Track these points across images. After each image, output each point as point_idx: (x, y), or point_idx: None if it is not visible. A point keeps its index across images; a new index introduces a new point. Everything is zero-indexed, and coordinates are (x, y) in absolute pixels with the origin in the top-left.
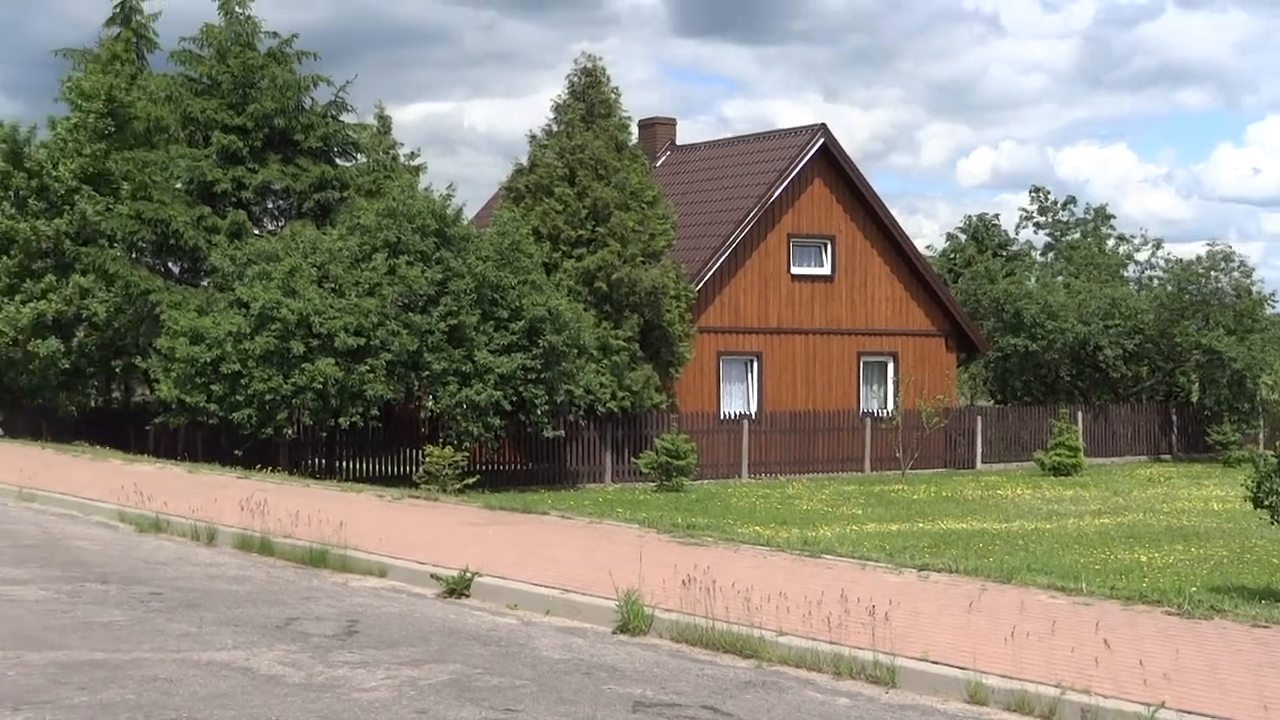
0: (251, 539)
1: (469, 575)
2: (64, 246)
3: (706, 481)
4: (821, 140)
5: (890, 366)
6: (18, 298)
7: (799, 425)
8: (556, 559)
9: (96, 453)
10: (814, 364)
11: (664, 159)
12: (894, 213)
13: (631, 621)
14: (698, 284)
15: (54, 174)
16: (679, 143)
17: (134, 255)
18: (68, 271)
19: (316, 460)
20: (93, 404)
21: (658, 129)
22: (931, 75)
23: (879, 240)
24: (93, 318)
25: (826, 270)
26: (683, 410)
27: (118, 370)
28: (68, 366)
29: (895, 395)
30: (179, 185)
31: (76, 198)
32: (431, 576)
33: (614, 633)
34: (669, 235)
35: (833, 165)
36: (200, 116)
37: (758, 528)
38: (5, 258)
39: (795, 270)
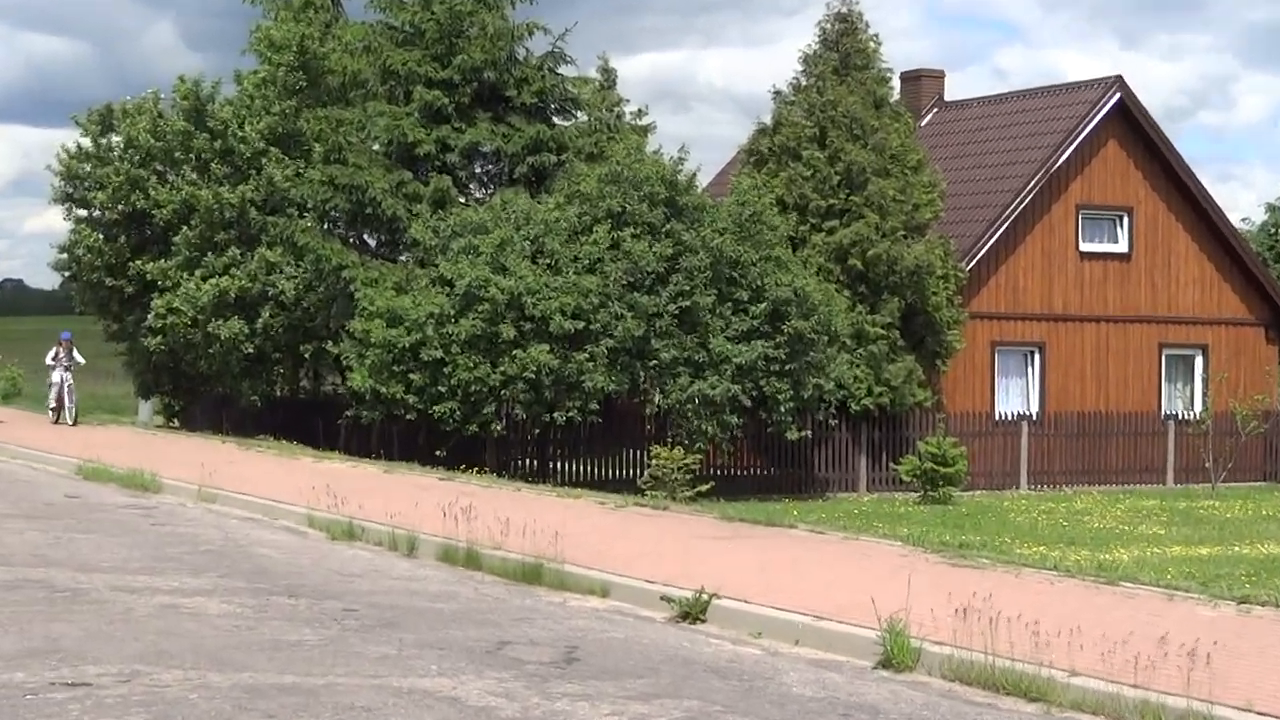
0: (456, 550)
1: (705, 597)
2: (249, 216)
3: (978, 492)
4: (1117, 95)
5: (1198, 361)
6: (198, 273)
7: (1089, 428)
8: (806, 580)
9: (283, 448)
10: (1107, 356)
11: (930, 117)
12: (1203, 180)
13: (895, 655)
14: (969, 262)
15: (239, 135)
16: (947, 99)
17: (326, 226)
18: (253, 244)
19: (527, 461)
20: (278, 393)
21: (923, 83)
22: (1250, 18)
23: (1185, 213)
24: (280, 296)
25: (1122, 247)
26: (950, 409)
27: (306, 356)
28: (251, 351)
29: (1204, 395)
30: (377, 147)
31: (264, 161)
32: (661, 598)
33: (875, 668)
34: (935, 206)
35: (1130, 125)
36: (401, 70)
37: (1041, 548)
38: (185, 229)
39: (1085, 247)
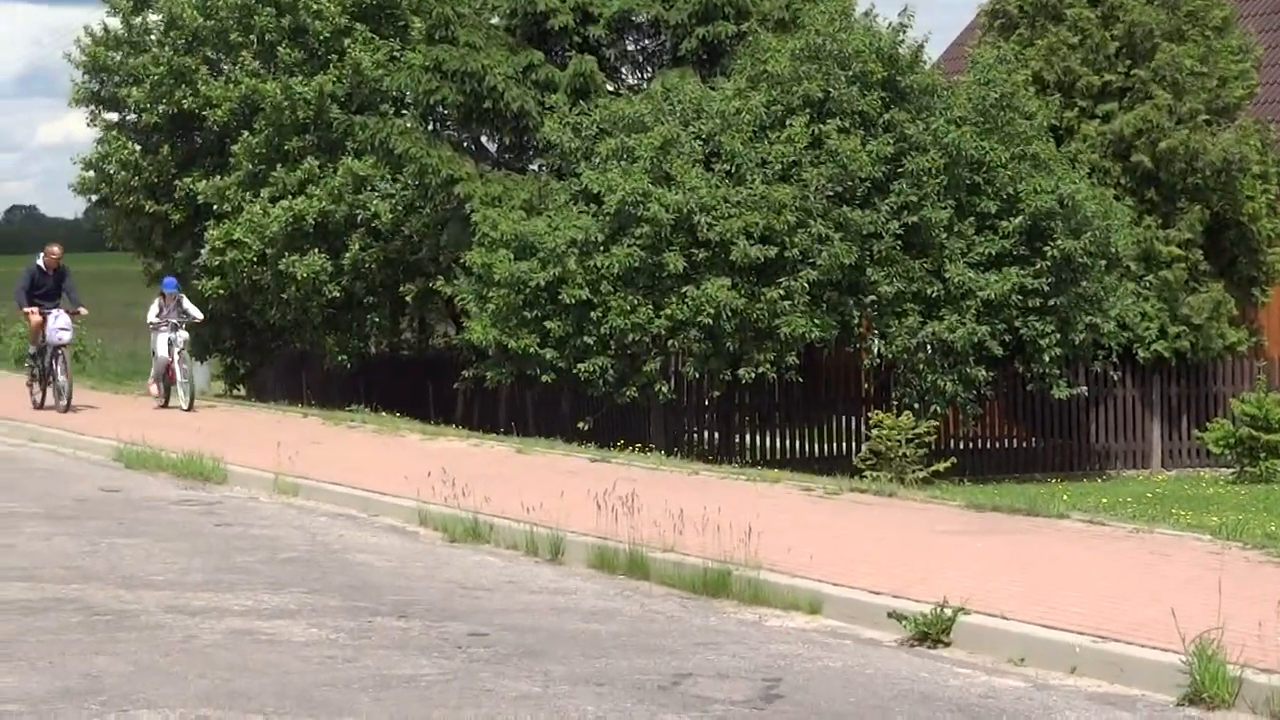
0: (616, 554)
1: (949, 612)
2: (330, 115)
3: None
4: None
5: None
6: (264, 193)
7: None
8: (1083, 588)
9: (381, 421)
10: None
11: None
12: None
13: (1207, 687)
14: None
15: (314, 8)
16: None
17: (432, 126)
18: (335, 153)
19: (705, 433)
20: (373, 350)
21: None
22: None
23: None
24: (373, 221)
25: None
26: (1275, 355)
27: (409, 300)
28: (338, 294)
29: None
30: (496, 20)
31: (347, 43)
32: (890, 614)
33: (1178, 704)
34: (1249, 80)
35: None
36: None
37: None
38: (246, 134)
39: None
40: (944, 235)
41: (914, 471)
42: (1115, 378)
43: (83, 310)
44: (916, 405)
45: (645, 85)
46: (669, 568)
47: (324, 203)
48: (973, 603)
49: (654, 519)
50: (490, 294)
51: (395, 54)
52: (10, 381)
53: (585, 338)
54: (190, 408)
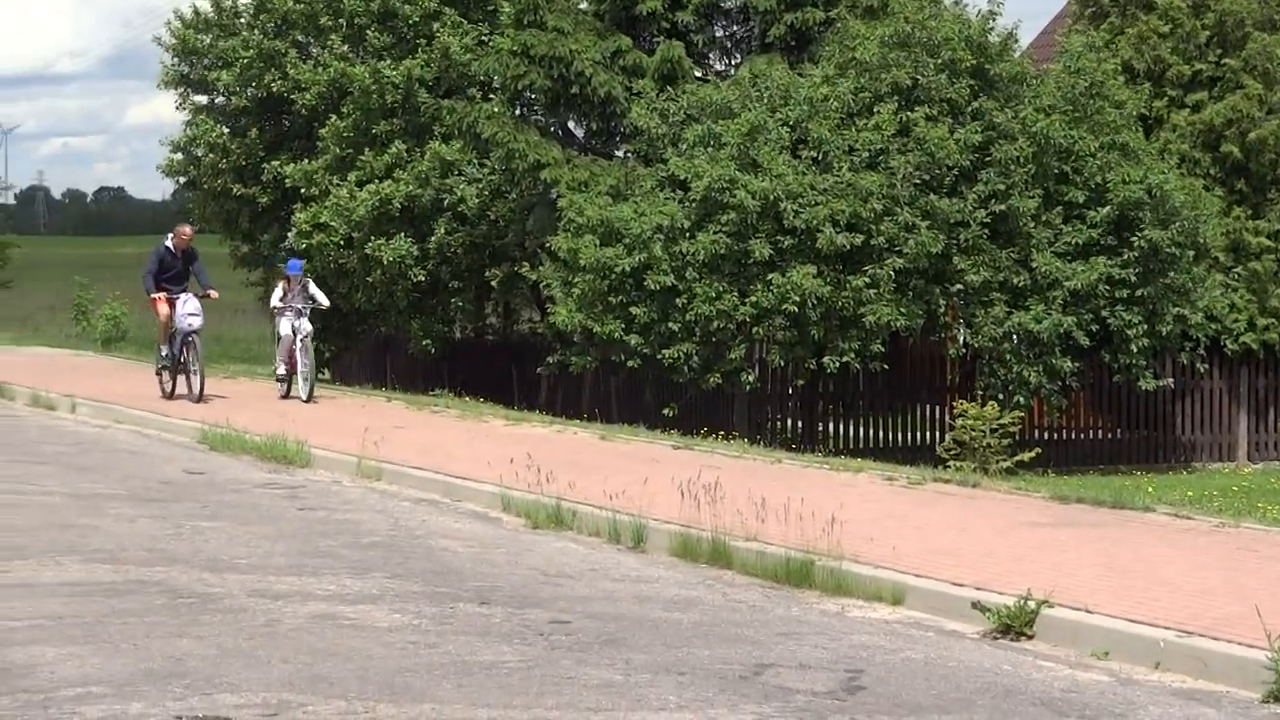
0: (698, 542)
1: (1032, 605)
2: (418, 100)
3: None
4: None
5: None
6: (351, 177)
7: None
8: (1168, 582)
9: (465, 406)
10: None
11: None
12: None
13: None
14: None
15: None
16: None
17: (519, 111)
18: (423, 137)
19: (789, 422)
20: (458, 335)
21: None
22: None
23: None
24: (459, 206)
25: None
26: None
27: (494, 285)
28: (423, 279)
29: None
30: (584, 5)
31: (436, 27)
32: (973, 605)
33: (1264, 701)
34: None
35: None
36: None
37: None
38: (334, 118)
39: None
40: (1031, 224)
41: (998, 462)
42: (1202, 369)
43: (213, 293)
44: (1001, 396)
45: (733, 71)
46: (751, 557)
47: (410, 187)
48: (1056, 596)
49: (737, 508)
50: (575, 279)
51: (484, 38)
52: (130, 369)
53: (670, 324)
54: (310, 398)
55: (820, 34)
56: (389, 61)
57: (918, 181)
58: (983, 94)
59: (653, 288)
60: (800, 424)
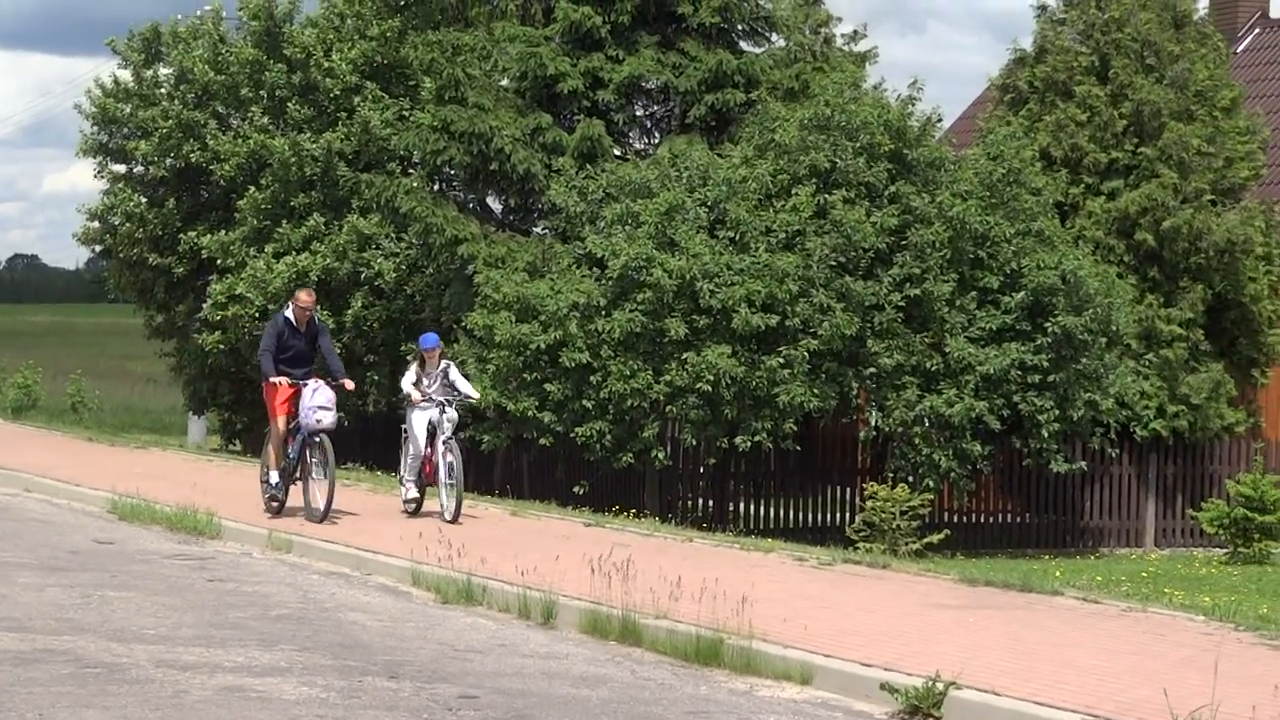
0: (608, 619)
1: (940, 687)
2: (337, 173)
3: None
4: None
5: None
6: (269, 249)
7: None
8: (1076, 665)
9: (378, 481)
10: None
11: (1249, 41)
12: None
13: None
14: None
15: (325, 66)
16: (1274, 15)
17: (438, 187)
18: (341, 210)
19: (700, 501)
20: (371, 408)
21: None
22: None
23: None
24: (376, 280)
25: None
26: (1272, 437)
27: (409, 359)
28: (338, 351)
29: None
30: (506, 82)
31: (357, 101)
32: (882, 687)
33: None
34: (1255, 161)
35: None
36: None
37: None
38: (253, 190)
39: None
40: (946, 309)
41: (907, 544)
42: (1112, 455)
43: (348, 383)
44: (911, 478)
45: (652, 150)
46: (661, 635)
47: (328, 260)
48: (965, 678)
49: (648, 585)
50: (491, 356)
51: (404, 113)
52: (40, 438)
53: (584, 401)
54: (455, 519)
55: (740, 115)
56: (309, 134)
57: (834, 264)
58: (900, 178)
59: (567, 365)
60: (711, 503)
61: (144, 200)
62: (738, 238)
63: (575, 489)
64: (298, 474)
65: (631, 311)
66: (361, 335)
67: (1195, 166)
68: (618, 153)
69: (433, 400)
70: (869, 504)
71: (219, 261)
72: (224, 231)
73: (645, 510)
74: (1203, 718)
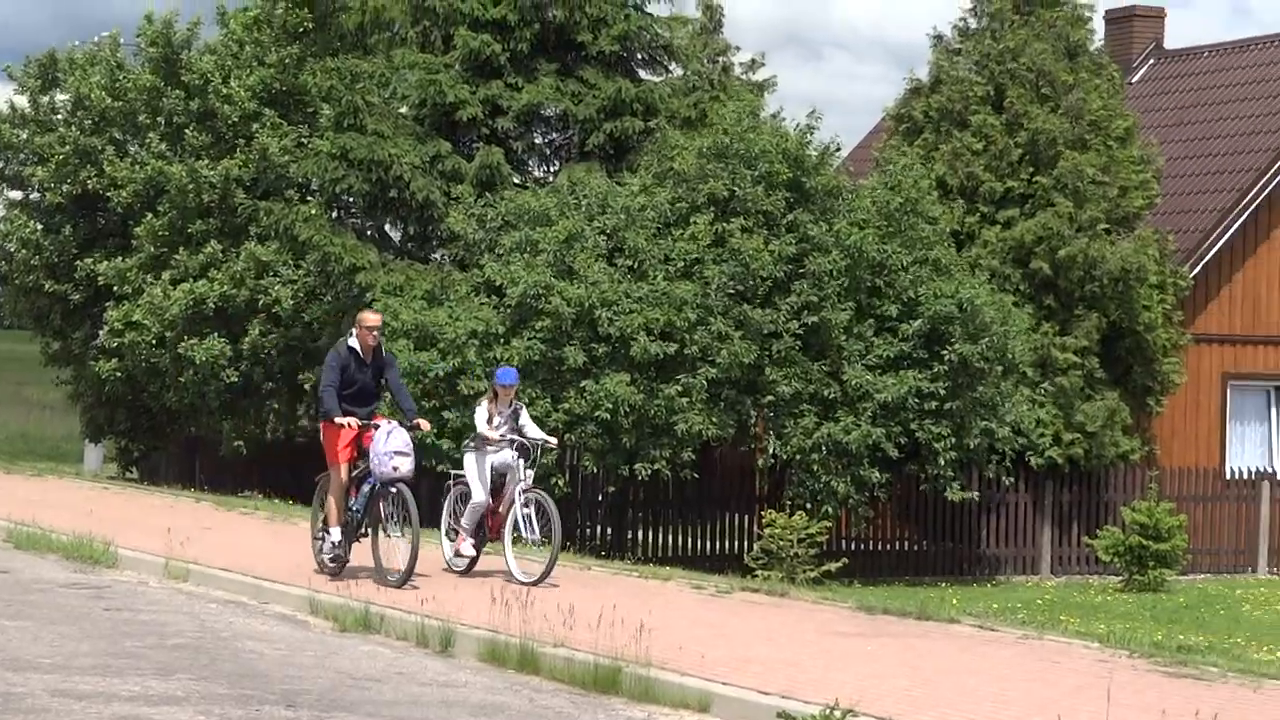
0: (506, 647)
1: (838, 714)
2: (235, 200)
3: (1201, 576)
4: None
5: None
6: (165, 275)
7: None
8: (972, 693)
9: (276, 509)
10: None
11: (1144, 71)
12: None
13: None
14: (1194, 266)
15: (223, 93)
16: (1168, 46)
17: (336, 214)
18: (239, 237)
19: (599, 529)
20: (269, 436)
21: (1135, 24)
22: None
23: None
24: (274, 307)
25: None
26: (1166, 465)
27: (308, 387)
28: (235, 380)
29: None
30: (405, 110)
31: (255, 128)
32: (779, 715)
33: None
34: (1149, 190)
35: None
36: (439, 7)
37: None
38: (150, 216)
39: None
40: (843, 337)
41: (805, 571)
42: (1008, 483)
43: (423, 424)
44: (809, 505)
45: (552, 178)
46: (559, 663)
47: (225, 287)
48: (862, 705)
49: (545, 613)
50: None
51: (303, 140)
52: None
53: None
54: (543, 579)
55: (639, 143)
56: (207, 161)
57: (731, 292)
58: (798, 206)
59: (466, 393)
60: (610, 531)
61: (40, 227)
62: (636, 266)
63: None
64: (362, 530)
65: (530, 339)
66: (260, 363)
67: (1090, 195)
68: (517, 180)
69: (505, 432)
70: (767, 532)
71: (115, 288)
72: (121, 258)
73: None
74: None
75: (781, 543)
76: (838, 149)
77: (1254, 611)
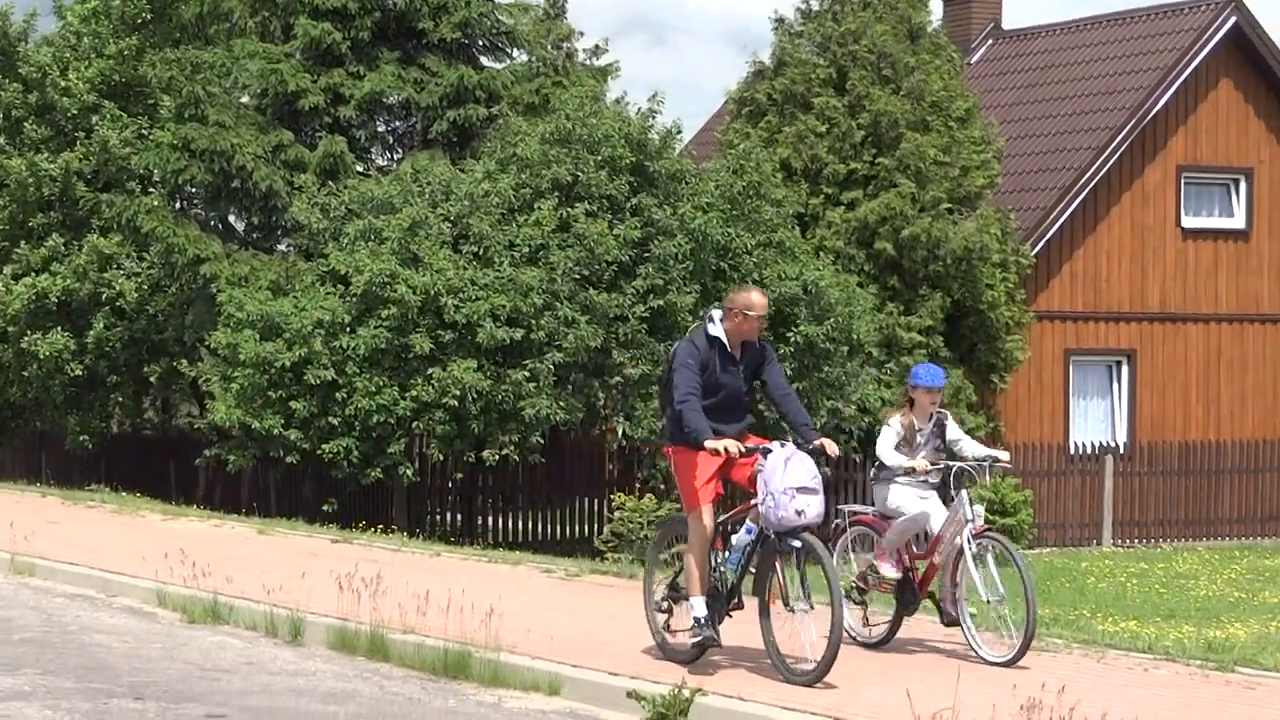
0: (356, 635)
1: (687, 694)
2: (76, 192)
3: (1047, 550)
4: (1233, 20)
5: None
6: (6, 270)
7: (1195, 464)
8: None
9: (122, 502)
10: (1218, 368)
11: (983, 52)
12: None
13: None
14: (1035, 245)
15: (61, 85)
16: (1006, 26)
17: (180, 205)
18: (81, 230)
19: (449, 515)
20: (115, 430)
21: (973, 6)
22: None
23: None
24: (118, 300)
25: (1238, 222)
26: (1010, 440)
27: (153, 380)
28: (80, 374)
29: None
30: (246, 100)
31: (95, 120)
32: (629, 695)
33: None
34: (990, 170)
35: (1250, 60)
36: None
37: (1132, 623)
38: None
39: (1189, 222)
40: (689, 319)
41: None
42: (856, 459)
43: (829, 445)
44: (661, 486)
45: (395, 167)
46: (409, 649)
47: (68, 281)
48: (711, 685)
49: (396, 601)
50: (235, 374)
51: (144, 132)
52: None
53: (330, 419)
54: (1019, 657)
55: (483, 130)
56: (46, 154)
57: (577, 276)
58: (642, 191)
59: (313, 382)
60: (460, 517)
61: None
62: (481, 252)
63: (324, 506)
64: (736, 600)
65: (376, 328)
66: (104, 356)
67: (932, 176)
68: (360, 169)
69: (937, 472)
70: (617, 515)
71: None
72: None
73: (393, 526)
74: (943, 717)
75: (631, 525)
76: (680, 133)
77: (1099, 584)
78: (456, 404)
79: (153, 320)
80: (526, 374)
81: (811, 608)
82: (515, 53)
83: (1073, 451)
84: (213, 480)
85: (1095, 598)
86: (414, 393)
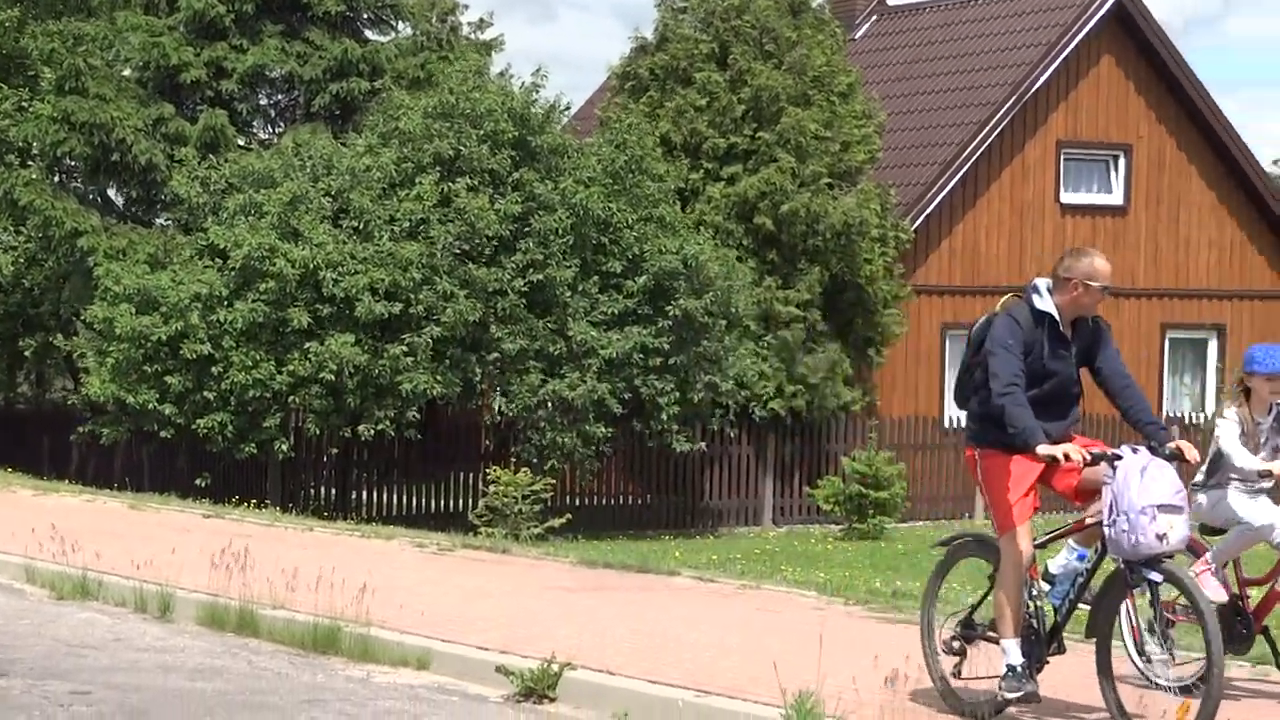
0: (226, 611)
1: (555, 668)
2: None
3: (921, 524)
4: None
5: (1212, 346)
6: None
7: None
8: (691, 644)
9: (5, 477)
10: None
11: (866, 28)
12: (1226, 111)
13: None
14: (914, 220)
15: None
16: (890, 2)
17: (58, 178)
18: None
19: (323, 490)
20: None
21: None
22: None
23: (1200, 153)
24: None
25: (1117, 198)
26: (886, 415)
27: (27, 354)
28: None
29: (1219, 390)
30: (128, 73)
31: None
32: (498, 670)
33: None
34: (871, 145)
35: (1131, 36)
36: None
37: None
38: None
39: (1068, 198)
40: (568, 294)
41: (529, 528)
42: (732, 435)
43: (1188, 451)
44: (536, 461)
45: (277, 140)
46: (279, 625)
47: None
48: (580, 659)
49: (267, 576)
50: (110, 349)
51: (24, 104)
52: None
53: (205, 393)
54: None
55: (365, 104)
56: None
57: (457, 251)
58: (524, 165)
59: (189, 356)
60: (335, 492)
61: None
62: (361, 227)
63: (197, 481)
64: (1056, 643)
65: (254, 302)
66: None
67: (813, 151)
68: (241, 143)
69: (1259, 488)
70: (491, 489)
71: None
72: None
73: (268, 500)
74: (810, 691)
75: (506, 500)
76: (568, 108)
77: (969, 557)
78: (333, 378)
79: (29, 294)
80: (404, 348)
81: (1169, 655)
82: (400, 26)
83: (947, 426)
84: (86, 455)
85: (965, 571)
86: (291, 367)
